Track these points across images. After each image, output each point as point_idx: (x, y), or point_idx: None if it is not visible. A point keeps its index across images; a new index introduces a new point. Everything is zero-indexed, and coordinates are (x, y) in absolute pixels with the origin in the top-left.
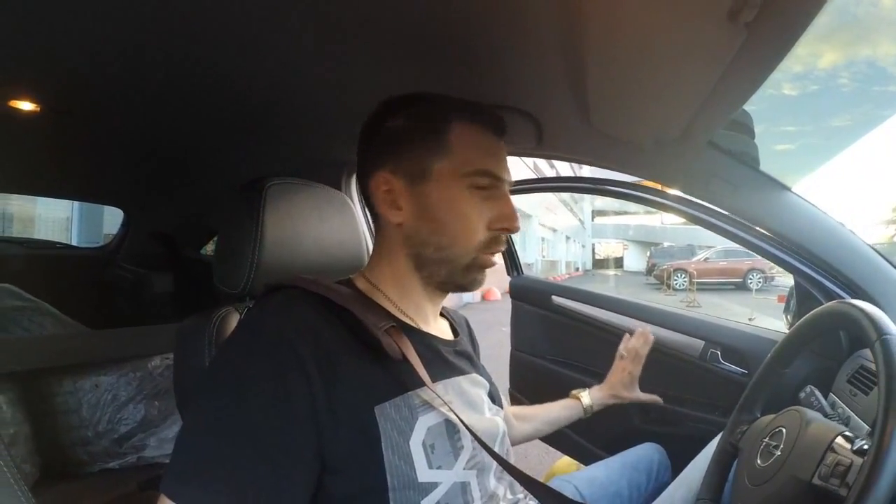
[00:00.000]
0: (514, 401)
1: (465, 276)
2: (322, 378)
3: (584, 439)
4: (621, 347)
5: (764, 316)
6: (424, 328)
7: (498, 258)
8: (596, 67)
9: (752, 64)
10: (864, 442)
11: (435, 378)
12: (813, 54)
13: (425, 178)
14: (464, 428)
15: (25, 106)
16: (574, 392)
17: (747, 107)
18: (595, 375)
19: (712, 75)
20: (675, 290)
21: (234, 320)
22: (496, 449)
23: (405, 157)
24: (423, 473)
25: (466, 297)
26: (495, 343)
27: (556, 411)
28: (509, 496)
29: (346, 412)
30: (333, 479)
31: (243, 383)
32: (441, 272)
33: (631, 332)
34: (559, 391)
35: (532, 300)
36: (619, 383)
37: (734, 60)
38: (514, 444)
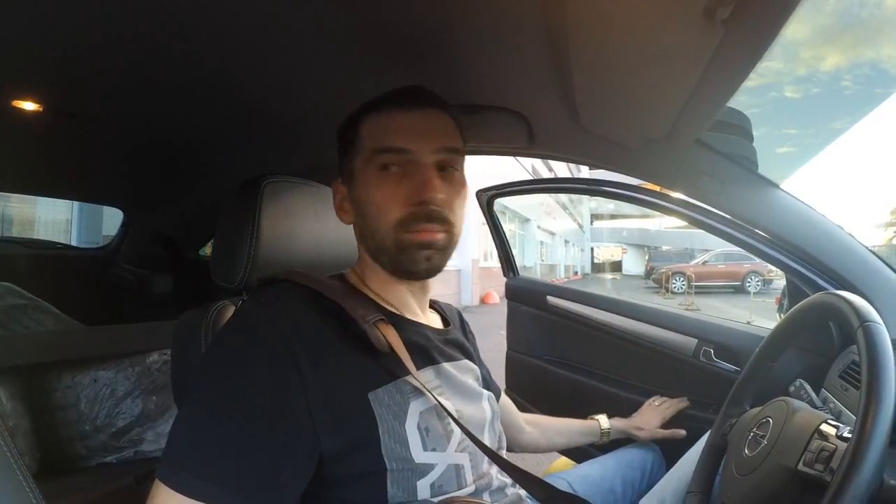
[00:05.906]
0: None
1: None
2: (314, 370)
3: None
4: (654, 399)
5: (762, 319)
6: (412, 318)
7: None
8: (581, 67)
9: (731, 61)
10: (848, 428)
11: (424, 364)
12: (816, 57)
13: (353, 177)
14: (452, 413)
15: (28, 106)
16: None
17: (748, 109)
18: (589, 375)
19: (694, 73)
20: (673, 293)
21: (230, 313)
22: (485, 433)
23: (342, 166)
24: (419, 455)
25: (465, 300)
26: (493, 346)
27: (575, 428)
28: (500, 479)
29: (341, 401)
30: (332, 466)
31: (238, 371)
32: (384, 259)
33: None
34: (555, 391)
35: (528, 300)
36: (644, 423)
37: (714, 58)
38: (522, 451)
